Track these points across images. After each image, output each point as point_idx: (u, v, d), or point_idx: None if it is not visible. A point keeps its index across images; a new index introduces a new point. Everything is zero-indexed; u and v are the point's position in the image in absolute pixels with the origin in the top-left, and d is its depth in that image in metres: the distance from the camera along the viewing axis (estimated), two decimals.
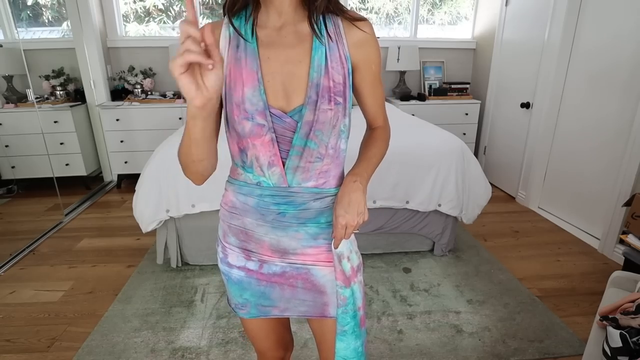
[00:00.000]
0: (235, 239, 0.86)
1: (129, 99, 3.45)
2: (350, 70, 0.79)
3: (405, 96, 3.70)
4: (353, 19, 0.78)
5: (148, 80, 3.55)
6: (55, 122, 3.25)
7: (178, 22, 3.73)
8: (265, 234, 0.82)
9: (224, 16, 0.78)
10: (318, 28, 0.76)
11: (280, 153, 0.77)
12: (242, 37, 0.75)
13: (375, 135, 0.90)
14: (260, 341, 1.00)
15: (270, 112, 0.74)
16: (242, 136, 0.77)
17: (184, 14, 3.68)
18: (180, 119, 3.39)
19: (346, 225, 0.76)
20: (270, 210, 0.81)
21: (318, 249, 0.84)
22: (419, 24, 3.91)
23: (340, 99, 0.77)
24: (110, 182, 3.67)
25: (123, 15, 3.65)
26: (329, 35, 0.77)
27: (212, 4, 3.74)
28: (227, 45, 0.76)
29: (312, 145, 0.77)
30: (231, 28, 0.76)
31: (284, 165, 0.78)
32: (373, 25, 0.82)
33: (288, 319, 1.04)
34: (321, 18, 0.77)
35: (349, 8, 0.80)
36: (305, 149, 0.77)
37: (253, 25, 0.76)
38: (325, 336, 0.92)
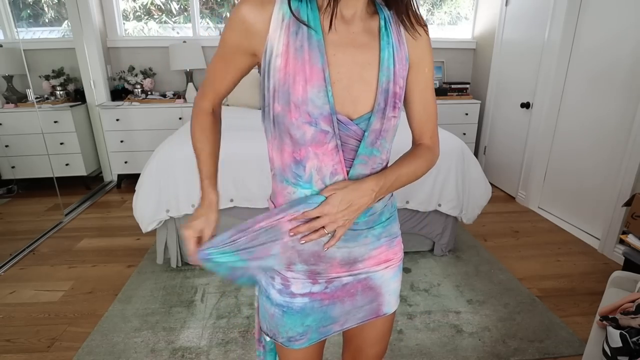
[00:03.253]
0: (304, 264, 0.77)
1: (129, 99, 3.45)
2: (407, 72, 0.74)
3: None
4: (416, 21, 0.72)
5: (148, 80, 3.55)
6: (55, 122, 3.25)
7: (178, 17, 3.73)
8: (338, 249, 0.76)
9: None
10: (403, 19, 0.70)
11: (344, 162, 0.70)
12: (304, 24, 0.64)
13: (417, 152, 0.79)
14: None
15: (337, 118, 0.67)
16: (301, 144, 0.68)
17: (186, 12, 3.68)
18: (180, 118, 3.39)
19: (325, 215, 0.69)
20: None
21: (380, 249, 0.81)
22: None
23: (400, 104, 0.72)
24: (110, 182, 3.67)
25: (123, 15, 3.65)
26: (407, 27, 0.71)
27: (212, 4, 3.74)
28: (280, 27, 0.65)
29: (376, 153, 0.73)
30: (287, 6, 0.65)
31: (347, 174, 0.71)
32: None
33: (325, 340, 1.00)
34: (389, 15, 0.71)
35: None
36: (370, 157, 0.72)
37: (333, 15, 0.65)
38: (369, 336, 0.90)
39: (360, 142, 0.70)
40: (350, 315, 0.84)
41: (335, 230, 0.71)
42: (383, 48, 0.68)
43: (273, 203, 0.79)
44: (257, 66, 0.72)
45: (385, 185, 0.72)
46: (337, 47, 0.66)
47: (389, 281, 0.85)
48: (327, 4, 0.65)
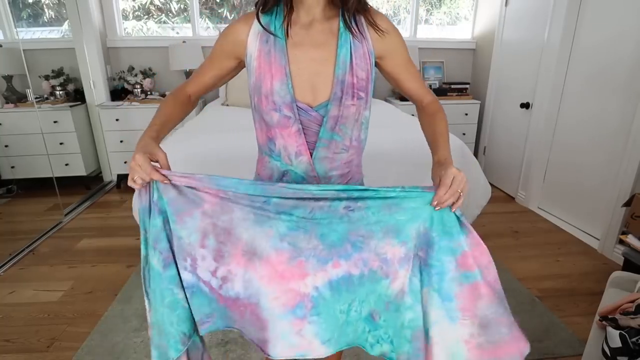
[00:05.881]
0: (215, 239, 0.85)
1: (128, 99, 3.45)
2: (374, 65, 0.86)
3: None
4: (374, 21, 0.84)
5: (148, 80, 3.55)
6: (55, 122, 3.24)
7: (177, 17, 3.74)
8: (245, 229, 0.83)
9: (256, 9, 0.84)
10: (349, 26, 0.82)
11: (307, 144, 0.84)
12: (271, 33, 0.81)
13: (431, 111, 0.92)
14: None
15: (297, 105, 0.81)
16: (270, 125, 0.85)
17: (185, 12, 3.68)
18: None
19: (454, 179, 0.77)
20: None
21: (280, 254, 0.81)
22: (418, 24, 3.91)
23: (362, 94, 0.83)
24: (110, 182, 3.67)
25: (123, 15, 3.65)
26: (354, 32, 0.82)
27: (212, 4, 3.74)
28: (256, 38, 0.83)
29: (337, 138, 0.85)
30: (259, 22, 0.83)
31: (311, 155, 0.85)
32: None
33: None
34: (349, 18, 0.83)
35: None
36: (331, 141, 0.84)
37: (288, 24, 0.81)
38: None
39: (321, 126, 0.83)
40: (244, 327, 0.85)
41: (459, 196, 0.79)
42: (340, 46, 0.81)
43: (257, 172, 0.96)
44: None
45: (446, 152, 0.84)
46: (298, 47, 0.82)
47: (277, 320, 0.79)
48: (285, 15, 0.81)
